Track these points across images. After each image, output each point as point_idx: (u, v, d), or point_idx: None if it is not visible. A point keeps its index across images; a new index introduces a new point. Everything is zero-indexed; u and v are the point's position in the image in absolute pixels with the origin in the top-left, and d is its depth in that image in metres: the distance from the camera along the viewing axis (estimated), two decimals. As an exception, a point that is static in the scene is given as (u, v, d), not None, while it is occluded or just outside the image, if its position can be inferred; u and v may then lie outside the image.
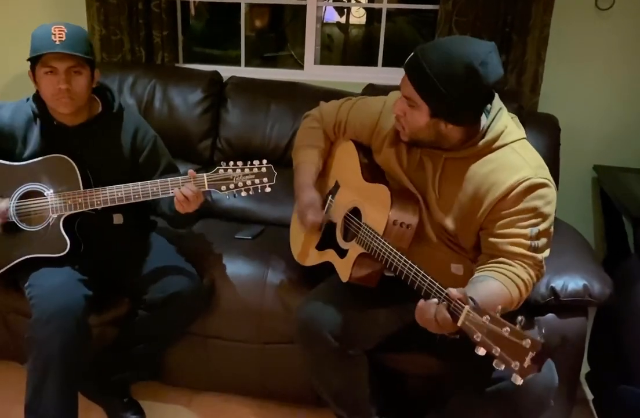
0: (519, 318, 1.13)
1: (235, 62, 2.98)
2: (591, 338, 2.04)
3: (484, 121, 1.50)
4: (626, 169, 2.55)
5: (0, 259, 1.81)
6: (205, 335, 2.00)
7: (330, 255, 1.75)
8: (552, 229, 1.47)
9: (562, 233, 2.06)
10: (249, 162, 1.69)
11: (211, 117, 2.54)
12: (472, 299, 1.23)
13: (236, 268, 2.01)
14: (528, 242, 1.42)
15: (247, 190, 1.69)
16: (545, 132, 2.29)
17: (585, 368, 1.99)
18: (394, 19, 3.67)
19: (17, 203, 1.79)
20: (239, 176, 1.67)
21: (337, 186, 1.83)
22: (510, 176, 1.44)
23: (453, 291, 1.25)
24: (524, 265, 1.43)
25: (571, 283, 1.73)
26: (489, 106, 1.52)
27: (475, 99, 1.42)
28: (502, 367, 1.12)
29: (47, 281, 1.73)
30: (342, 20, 4.73)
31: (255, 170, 1.68)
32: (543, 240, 1.45)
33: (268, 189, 1.69)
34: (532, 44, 2.40)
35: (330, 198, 1.83)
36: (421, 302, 1.31)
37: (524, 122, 2.21)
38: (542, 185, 1.43)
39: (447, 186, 1.54)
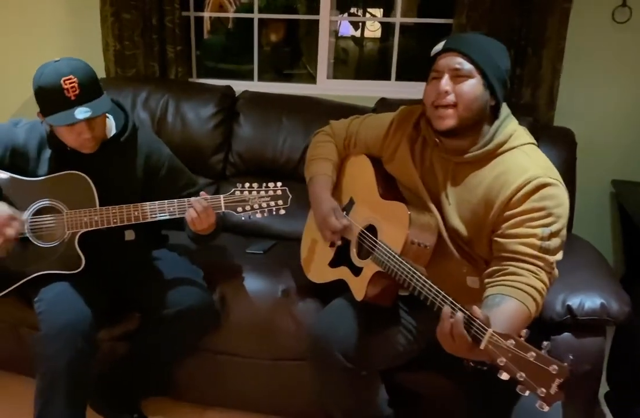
0: (545, 343, 1.10)
1: (250, 76, 3.00)
2: (610, 357, 1.99)
3: (493, 123, 1.51)
4: (645, 184, 2.51)
5: (14, 274, 1.80)
6: (216, 351, 1.98)
7: (343, 273, 1.73)
8: (564, 231, 1.43)
9: (579, 249, 2.03)
10: (264, 184, 1.71)
11: (223, 132, 2.55)
12: None
13: (247, 283, 2.00)
14: (539, 242, 1.38)
15: (262, 212, 1.71)
16: (561, 147, 2.26)
17: (604, 387, 1.94)
18: (409, 33, 3.67)
19: (31, 218, 1.78)
20: (255, 198, 1.70)
21: (351, 202, 1.81)
22: (519, 176, 1.42)
23: (477, 311, 1.21)
24: (533, 268, 1.38)
25: (588, 301, 1.69)
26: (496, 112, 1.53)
27: (509, 78, 1.50)
28: (527, 393, 1.09)
29: (56, 296, 1.72)
30: (357, 34, 4.74)
31: (271, 193, 1.70)
32: (555, 241, 1.40)
33: (282, 212, 1.71)
34: (548, 58, 2.38)
35: (344, 214, 1.80)
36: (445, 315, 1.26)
37: (540, 136, 2.20)
38: (551, 184, 1.41)
39: (458, 191, 1.54)
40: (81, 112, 1.61)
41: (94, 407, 1.92)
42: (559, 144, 2.26)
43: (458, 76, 1.45)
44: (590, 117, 2.55)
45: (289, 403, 2.02)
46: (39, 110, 1.68)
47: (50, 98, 1.62)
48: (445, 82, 1.46)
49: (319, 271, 1.86)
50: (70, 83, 1.60)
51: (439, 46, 1.50)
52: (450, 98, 1.46)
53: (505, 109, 1.54)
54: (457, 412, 1.74)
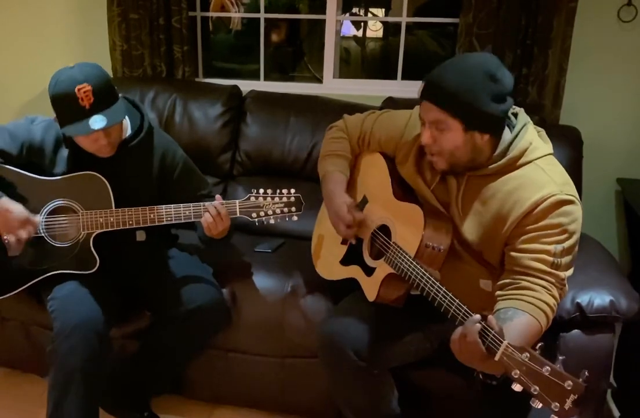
0: (560, 358, 1.10)
1: (254, 76, 3.01)
2: (617, 355, 1.99)
3: (507, 135, 1.49)
4: (650, 182, 2.51)
5: (27, 273, 1.81)
6: (226, 349, 2.00)
7: (355, 272, 1.73)
8: (577, 247, 1.44)
9: (587, 247, 2.02)
10: (278, 191, 1.75)
11: (231, 131, 2.56)
12: None
13: (257, 281, 2.01)
14: (551, 259, 1.39)
15: (276, 218, 1.76)
16: (567, 145, 2.26)
17: (611, 385, 1.95)
18: (413, 32, 3.68)
19: (46, 218, 1.79)
20: (269, 204, 1.75)
21: (364, 201, 1.80)
22: (535, 192, 1.41)
23: (493, 322, 1.21)
24: (545, 284, 1.39)
25: (597, 298, 1.70)
26: (514, 120, 1.51)
27: (501, 101, 1.41)
28: (540, 406, 1.09)
29: (69, 294, 1.73)
30: (359, 33, 4.76)
31: (285, 199, 1.75)
32: (567, 258, 1.41)
33: (295, 218, 1.77)
34: (554, 56, 2.38)
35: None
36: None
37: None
38: (568, 202, 1.40)
39: (470, 203, 1.52)
40: (96, 122, 1.61)
41: (104, 405, 1.93)
42: (565, 142, 2.26)
43: (438, 127, 1.44)
44: (596, 116, 2.55)
45: (298, 401, 2.03)
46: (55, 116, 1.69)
47: (65, 107, 1.63)
48: (427, 136, 1.47)
49: (330, 268, 1.86)
50: (84, 92, 1.60)
51: (419, 90, 1.47)
52: (435, 148, 1.48)
53: (522, 119, 1.52)
54: (469, 414, 1.75)
